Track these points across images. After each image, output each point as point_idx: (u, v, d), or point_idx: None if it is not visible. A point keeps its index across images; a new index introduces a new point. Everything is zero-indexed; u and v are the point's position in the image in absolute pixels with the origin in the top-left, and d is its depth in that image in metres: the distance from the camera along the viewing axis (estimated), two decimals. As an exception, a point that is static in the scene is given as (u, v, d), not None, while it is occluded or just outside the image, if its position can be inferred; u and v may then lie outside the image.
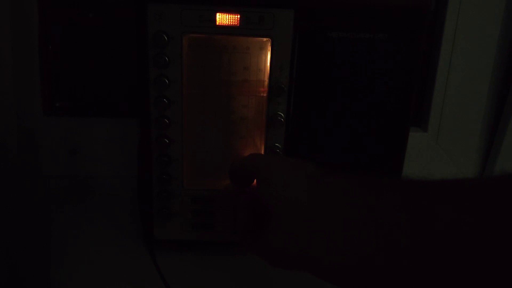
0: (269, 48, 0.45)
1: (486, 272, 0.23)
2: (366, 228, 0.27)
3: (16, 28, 0.39)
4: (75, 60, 0.66)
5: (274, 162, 0.37)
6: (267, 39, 0.44)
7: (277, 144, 0.48)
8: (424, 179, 0.28)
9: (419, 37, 0.45)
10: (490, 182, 0.26)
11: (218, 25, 0.43)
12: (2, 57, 0.39)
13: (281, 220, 0.31)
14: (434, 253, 0.24)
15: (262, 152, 0.48)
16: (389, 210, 0.27)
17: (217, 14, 0.43)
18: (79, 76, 0.67)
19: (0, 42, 0.39)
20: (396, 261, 0.26)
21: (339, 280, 0.29)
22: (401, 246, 0.26)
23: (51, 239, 0.46)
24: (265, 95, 0.46)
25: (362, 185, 0.30)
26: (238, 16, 0.43)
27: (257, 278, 0.51)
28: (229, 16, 0.43)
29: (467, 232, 0.24)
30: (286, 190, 0.32)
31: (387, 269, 0.26)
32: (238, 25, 0.43)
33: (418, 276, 0.25)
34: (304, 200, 0.30)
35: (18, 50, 0.40)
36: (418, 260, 0.25)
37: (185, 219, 0.50)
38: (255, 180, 0.44)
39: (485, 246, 0.23)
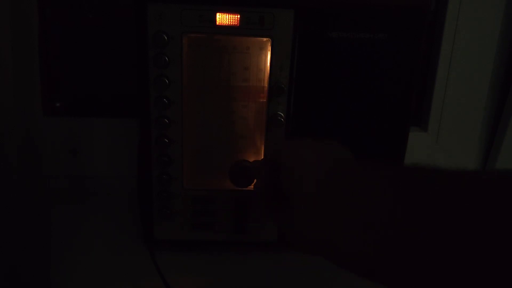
0: (269, 48, 0.45)
1: (482, 266, 0.24)
2: (384, 219, 0.27)
3: (16, 28, 0.39)
4: (75, 60, 0.66)
5: (295, 145, 0.37)
6: (267, 39, 0.44)
7: (277, 144, 0.48)
8: (437, 171, 0.28)
9: (419, 37, 0.45)
10: (489, 176, 0.27)
11: (218, 25, 0.43)
12: (2, 57, 0.39)
13: (299, 205, 0.32)
14: (437, 244, 0.25)
15: (262, 152, 0.48)
16: (400, 202, 0.27)
17: (217, 14, 0.43)
18: (79, 76, 0.67)
19: (0, 42, 0.38)
20: (409, 252, 0.26)
21: (353, 267, 0.30)
22: (417, 239, 0.26)
23: (51, 239, 0.46)
24: (265, 96, 0.46)
25: (383, 176, 0.30)
26: (238, 16, 0.43)
27: (257, 278, 0.51)
28: (229, 16, 0.43)
29: (467, 228, 0.24)
30: (305, 175, 0.32)
31: (398, 257, 0.27)
32: (238, 25, 0.43)
33: (425, 265, 0.26)
34: (323, 186, 0.31)
35: (18, 50, 0.40)
36: (427, 254, 0.26)
37: (185, 219, 0.50)
38: (254, 181, 0.44)
39: (482, 237, 0.24)
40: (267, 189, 0.38)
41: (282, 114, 0.46)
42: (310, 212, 0.31)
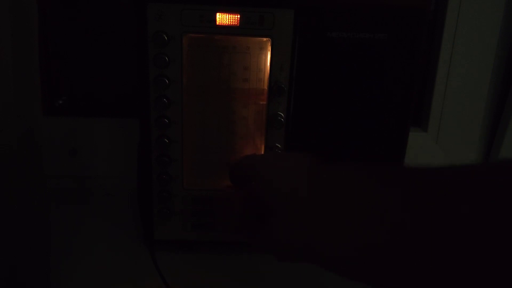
0: (269, 48, 0.45)
1: (484, 262, 0.23)
2: (368, 218, 0.27)
3: (16, 28, 0.39)
4: (75, 60, 0.66)
5: (270, 157, 0.37)
6: (267, 39, 0.44)
7: (277, 144, 0.48)
8: (424, 167, 0.28)
9: (419, 37, 0.45)
10: (490, 168, 0.27)
11: (218, 25, 0.43)
12: (2, 57, 0.39)
13: (282, 214, 0.31)
14: (434, 242, 0.25)
15: (263, 152, 0.48)
16: (390, 200, 0.27)
17: (217, 14, 0.43)
18: (79, 76, 0.67)
19: (0, 42, 0.38)
20: (398, 251, 0.26)
21: (343, 271, 0.29)
22: (403, 236, 0.26)
23: (51, 239, 0.46)
24: (265, 96, 0.46)
25: (362, 175, 0.30)
26: (238, 16, 0.43)
27: (257, 278, 0.51)
28: (229, 16, 0.43)
29: (465, 221, 0.24)
30: (284, 184, 0.32)
31: (390, 259, 0.26)
32: (238, 25, 0.43)
33: (422, 265, 0.25)
34: (304, 192, 0.31)
35: (18, 50, 0.40)
36: (420, 250, 0.25)
37: (185, 219, 0.50)
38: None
39: (483, 234, 0.23)
40: (248, 212, 0.37)
41: (282, 114, 0.46)
42: (294, 218, 0.31)
